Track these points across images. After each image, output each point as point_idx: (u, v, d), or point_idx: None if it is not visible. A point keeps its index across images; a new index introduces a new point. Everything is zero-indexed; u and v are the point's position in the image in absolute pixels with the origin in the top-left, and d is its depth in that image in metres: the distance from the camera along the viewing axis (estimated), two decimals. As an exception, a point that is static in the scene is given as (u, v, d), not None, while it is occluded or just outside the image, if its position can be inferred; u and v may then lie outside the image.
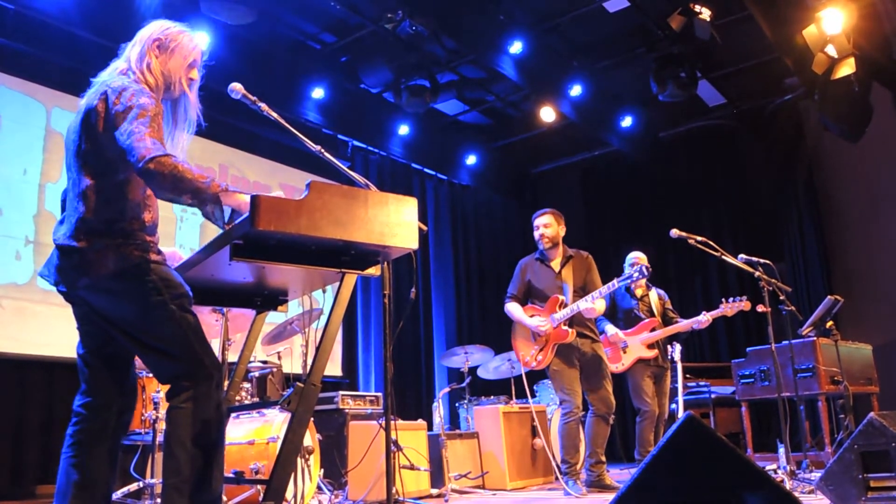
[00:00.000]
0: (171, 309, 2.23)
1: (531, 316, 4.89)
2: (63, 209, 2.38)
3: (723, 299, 5.38)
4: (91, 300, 2.28)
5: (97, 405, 2.34)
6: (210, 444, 2.21)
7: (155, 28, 2.44)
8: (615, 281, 4.76)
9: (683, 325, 5.40)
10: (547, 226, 4.96)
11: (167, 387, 2.28)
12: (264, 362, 4.88)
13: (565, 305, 4.80)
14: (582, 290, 4.88)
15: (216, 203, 2.14)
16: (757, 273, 4.62)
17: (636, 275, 4.74)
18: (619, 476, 6.03)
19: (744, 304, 5.27)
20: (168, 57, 2.41)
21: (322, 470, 4.59)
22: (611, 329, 5.36)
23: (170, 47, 2.41)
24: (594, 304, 4.70)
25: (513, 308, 4.98)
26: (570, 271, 4.93)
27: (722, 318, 5.45)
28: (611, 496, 3.43)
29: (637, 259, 5.57)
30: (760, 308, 4.66)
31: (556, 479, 4.87)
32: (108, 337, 2.34)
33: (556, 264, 4.96)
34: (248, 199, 2.13)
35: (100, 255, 2.20)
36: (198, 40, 2.51)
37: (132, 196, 2.29)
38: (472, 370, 6.23)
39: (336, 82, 7.54)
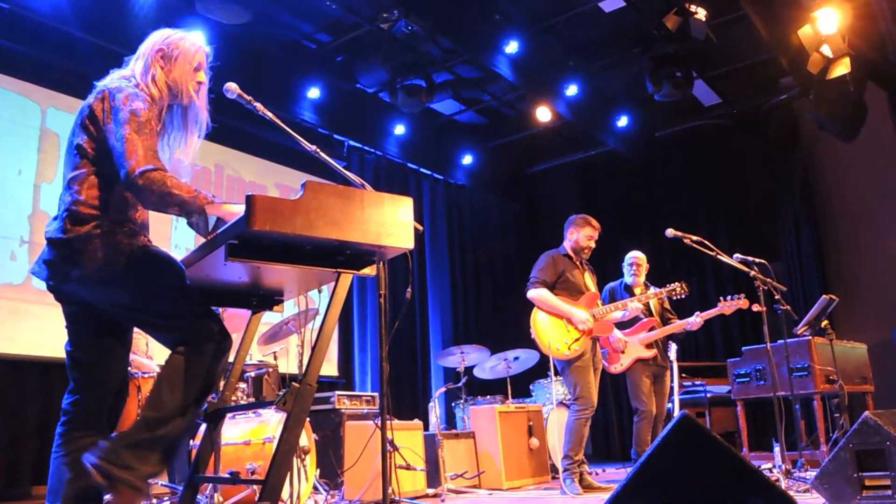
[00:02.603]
0: (170, 287, 2.28)
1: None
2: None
3: (720, 298, 5.37)
4: (85, 293, 2.28)
5: (86, 403, 2.35)
6: (193, 398, 2.24)
7: (157, 39, 2.47)
8: (663, 291, 5.23)
9: (677, 325, 5.40)
10: (594, 238, 5.16)
11: None
12: (260, 362, 4.88)
13: (603, 304, 5.04)
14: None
15: (201, 214, 2.21)
16: (752, 272, 4.63)
17: (679, 289, 5.20)
18: (616, 475, 6.05)
19: (741, 303, 5.25)
20: (172, 66, 2.43)
21: (318, 470, 4.58)
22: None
23: (173, 56, 2.44)
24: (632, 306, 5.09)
25: (545, 294, 4.92)
26: (588, 277, 5.15)
27: (718, 317, 5.44)
28: (604, 495, 3.44)
29: (636, 258, 5.58)
30: (756, 307, 4.67)
31: (553, 478, 4.88)
32: (97, 335, 2.36)
33: (580, 266, 5.14)
34: (234, 208, 2.20)
35: (87, 244, 2.21)
36: (200, 42, 2.53)
37: (120, 191, 2.30)
38: (469, 370, 6.23)
39: (332, 82, 7.53)
